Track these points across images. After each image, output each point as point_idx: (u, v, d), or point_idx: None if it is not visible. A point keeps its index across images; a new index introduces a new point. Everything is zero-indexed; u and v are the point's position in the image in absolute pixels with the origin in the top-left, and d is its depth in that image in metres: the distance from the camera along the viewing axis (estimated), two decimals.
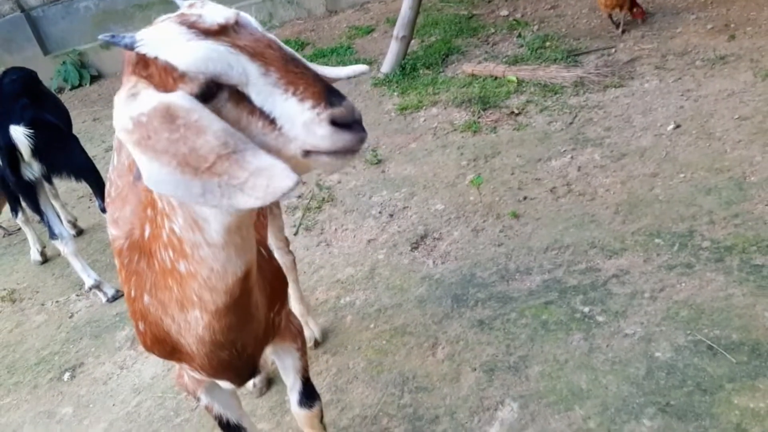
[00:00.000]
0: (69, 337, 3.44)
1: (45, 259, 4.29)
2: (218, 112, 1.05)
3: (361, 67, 1.38)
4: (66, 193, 5.00)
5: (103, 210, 3.42)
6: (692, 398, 2.18)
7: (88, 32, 7.83)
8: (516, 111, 4.43)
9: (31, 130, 3.32)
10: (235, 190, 0.99)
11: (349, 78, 1.38)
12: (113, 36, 1.07)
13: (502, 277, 3.00)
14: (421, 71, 5.45)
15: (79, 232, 4.48)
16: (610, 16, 5.26)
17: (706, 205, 3.05)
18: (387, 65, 5.51)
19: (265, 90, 1.02)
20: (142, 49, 1.05)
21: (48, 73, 7.66)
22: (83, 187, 4.98)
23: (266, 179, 0.98)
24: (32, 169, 3.51)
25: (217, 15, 1.07)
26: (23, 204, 3.95)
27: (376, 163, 4.27)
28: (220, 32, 1.05)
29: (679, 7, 5.32)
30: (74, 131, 4.43)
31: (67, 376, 3.15)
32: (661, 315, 2.55)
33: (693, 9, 5.20)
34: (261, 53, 1.04)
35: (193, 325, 1.40)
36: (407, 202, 3.78)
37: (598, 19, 5.56)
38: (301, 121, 1.01)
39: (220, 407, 1.94)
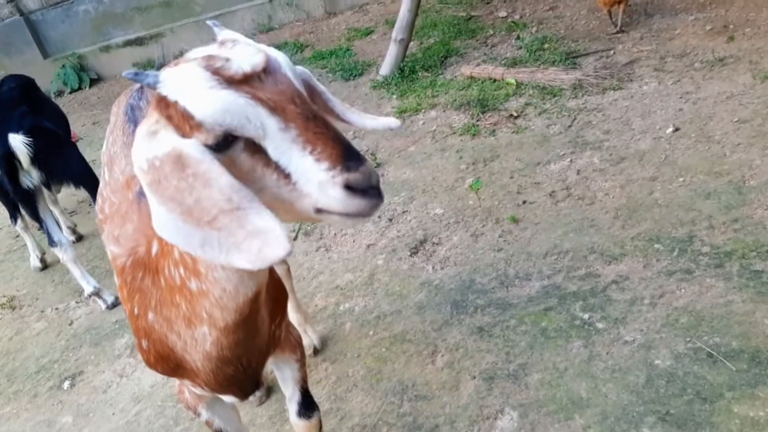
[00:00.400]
0: (69, 345, 3.44)
1: (45, 266, 4.29)
2: (233, 161, 1.05)
3: (391, 122, 1.36)
4: (65, 197, 5.00)
5: None
6: (692, 407, 2.17)
7: (87, 35, 7.84)
8: (515, 114, 4.42)
9: (30, 138, 3.32)
10: (232, 247, 0.99)
11: (374, 130, 1.37)
12: (137, 74, 1.07)
13: (502, 283, 2.99)
14: (419, 73, 5.44)
15: (79, 238, 4.48)
16: (609, 13, 5.25)
17: (705, 210, 3.04)
18: (386, 67, 5.50)
19: (283, 145, 1.02)
20: (163, 90, 1.05)
21: (47, 76, 7.67)
22: (83, 192, 4.99)
23: (260, 242, 0.97)
24: (31, 177, 3.52)
25: (245, 61, 1.05)
26: (22, 211, 3.95)
27: (375, 167, 4.26)
28: (243, 81, 1.03)
29: (677, 8, 5.31)
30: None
31: (66, 384, 3.15)
32: (660, 322, 2.54)
33: (692, 10, 5.19)
34: (282, 108, 1.03)
35: (200, 341, 1.41)
36: (406, 206, 3.77)
37: (596, 20, 5.55)
38: (316, 180, 1.00)
39: (221, 422, 1.95)
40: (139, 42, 7.76)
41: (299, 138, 1.01)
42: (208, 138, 1.02)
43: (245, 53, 1.07)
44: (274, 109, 1.02)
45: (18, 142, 3.28)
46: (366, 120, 1.37)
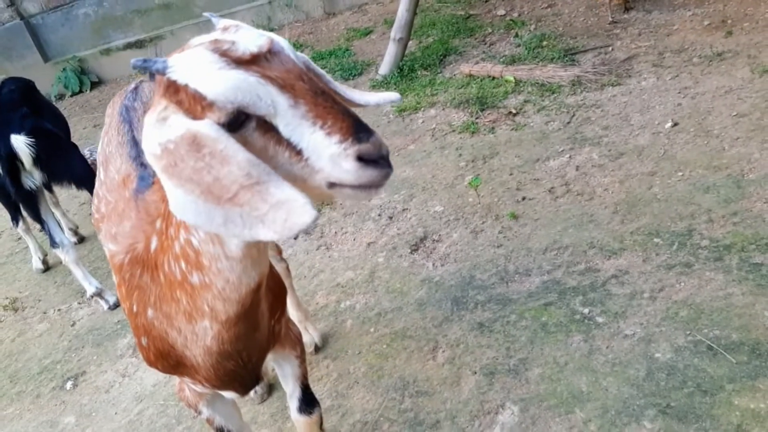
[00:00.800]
0: (71, 346, 3.45)
1: (47, 267, 4.31)
2: (245, 141, 1.06)
3: (392, 95, 1.38)
4: (67, 199, 5.02)
5: None
6: (693, 399, 2.17)
7: (87, 38, 7.86)
8: (514, 111, 4.43)
9: (32, 139, 3.33)
10: (256, 221, 1.00)
11: (378, 105, 1.39)
12: (145, 60, 1.08)
13: (502, 279, 3.00)
14: (419, 72, 5.45)
15: (81, 240, 4.50)
16: (609, 2, 5.28)
17: (704, 204, 3.05)
18: (385, 67, 5.51)
19: (293, 122, 1.03)
20: (173, 75, 1.06)
21: (48, 80, 7.70)
22: (85, 194, 5.00)
23: (285, 213, 0.98)
24: (33, 178, 3.53)
25: (251, 43, 1.07)
26: (23, 213, 3.97)
27: None
28: (251, 61, 1.05)
29: (675, 3, 5.31)
30: (75, 138, 4.46)
31: (69, 384, 3.17)
32: (660, 315, 2.55)
33: (689, 5, 5.19)
34: (291, 85, 1.05)
35: (201, 336, 1.42)
36: (406, 204, 3.78)
37: (594, 17, 5.55)
38: (328, 154, 1.02)
39: (222, 419, 1.95)
40: (139, 44, 7.78)
41: (309, 113, 1.03)
42: (221, 116, 1.03)
43: (250, 35, 1.09)
44: (284, 86, 1.04)
45: (20, 142, 3.30)
46: (368, 97, 1.38)
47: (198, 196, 1.01)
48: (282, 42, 1.12)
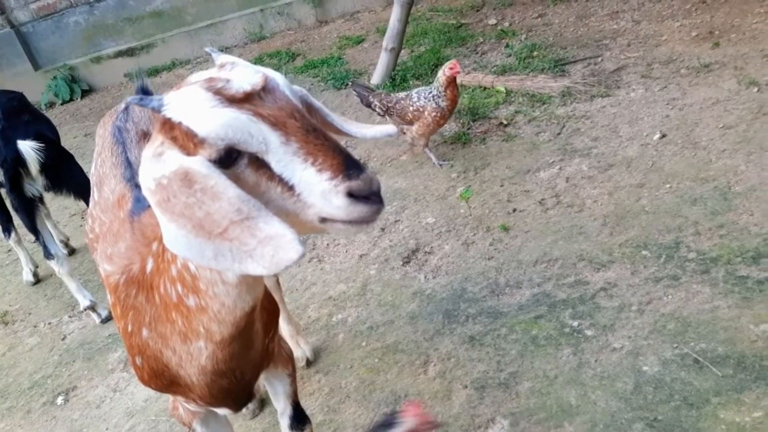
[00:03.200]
0: (62, 360, 3.44)
1: (37, 280, 4.29)
2: (238, 177, 1.08)
3: (388, 129, 1.41)
4: (57, 211, 5.00)
5: None
6: (679, 413, 2.20)
7: (78, 47, 7.83)
8: (505, 122, 4.46)
9: (41, 144, 3.31)
10: (245, 255, 1.02)
11: (375, 139, 1.43)
12: (141, 99, 1.11)
13: (493, 292, 3.02)
14: (411, 82, 5.47)
15: (71, 252, 4.48)
16: None
17: (691, 216, 3.09)
18: (377, 76, 5.53)
19: (285, 158, 1.06)
20: (168, 113, 1.09)
21: (39, 88, 7.67)
22: (75, 205, 4.99)
23: (273, 248, 1.00)
24: (36, 185, 3.50)
25: (245, 81, 1.10)
26: (15, 224, 3.95)
27: None
28: (244, 99, 1.08)
29: (663, 14, 5.37)
30: (66, 147, 4.44)
31: (60, 400, 3.16)
32: (648, 328, 2.58)
33: (677, 16, 5.25)
34: (283, 122, 1.07)
35: (196, 356, 1.44)
36: (398, 215, 3.80)
37: (584, 27, 5.60)
38: (319, 190, 1.04)
39: None
40: (130, 53, 7.77)
41: (300, 150, 1.05)
42: (212, 153, 1.06)
43: (245, 73, 1.12)
44: (275, 124, 1.06)
45: (28, 147, 3.27)
46: (364, 130, 1.41)
47: (189, 230, 1.04)
48: (277, 78, 1.15)
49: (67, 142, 5.30)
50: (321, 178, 1.04)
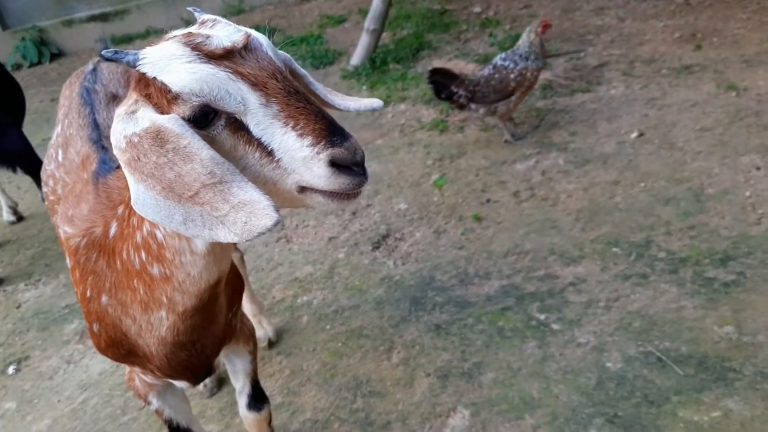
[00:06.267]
0: (15, 329, 3.32)
1: (19, 218, 4.15)
2: (213, 140, 1.03)
3: (374, 102, 1.35)
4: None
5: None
6: (639, 410, 2.20)
7: (49, 8, 7.56)
8: None
9: None
10: (216, 221, 0.98)
11: (359, 111, 1.36)
12: (116, 52, 1.05)
13: (462, 281, 2.99)
14: (391, 65, 5.40)
15: (19, 219, 4.32)
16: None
17: (664, 216, 3.09)
18: (357, 58, 5.44)
19: (265, 121, 1.01)
20: (143, 68, 1.03)
21: (6, 49, 7.40)
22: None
23: (246, 215, 0.96)
24: None
25: (225, 38, 1.05)
26: None
27: None
28: (224, 56, 1.03)
29: (648, 13, 5.38)
30: (30, 111, 4.27)
31: (11, 369, 3.04)
32: (614, 325, 2.57)
33: (662, 16, 5.26)
34: (263, 83, 1.02)
35: (156, 326, 1.41)
36: (371, 200, 3.74)
37: (569, 21, 5.58)
38: (300, 156, 0.99)
39: (171, 411, 1.93)
40: (103, 18, 7.52)
41: (281, 113, 1.01)
42: (186, 111, 1.01)
43: (226, 30, 1.07)
44: (255, 84, 1.01)
45: None
46: (349, 102, 1.36)
47: (159, 192, 0.99)
48: (260, 39, 1.10)
49: (32, 106, 5.12)
50: (302, 143, 0.99)
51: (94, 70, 2.09)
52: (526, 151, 3.88)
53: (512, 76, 3.73)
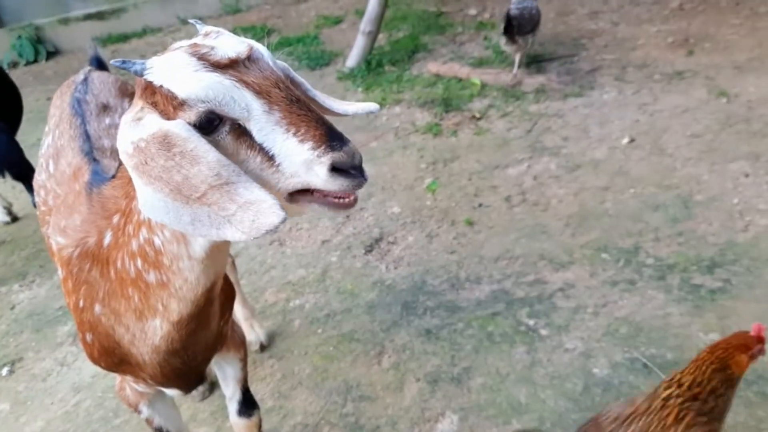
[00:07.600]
0: (9, 330, 3.33)
1: (14, 218, 4.15)
2: (217, 145, 1.07)
3: (370, 106, 1.39)
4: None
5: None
6: None
7: (46, 6, 7.53)
8: (477, 115, 4.45)
9: None
10: (224, 221, 1.02)
11: (356, 115, 1.40)
12: (124, 62, 1.10)
13: (453, 286, 3.02)
14: (386, 67, 5.42)
15: (14, 219, 4.33)
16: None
17: (652, 222, 3.13)
18: (352, 59, 5.46)
19: (267, 127, 1.05)
20: (150, 76, 1.07)
21: (2, 46, 7.37)
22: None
23: (253, 213, 1.00)
24: None
25: (229, 48, 1.09)
26: None
27: None
28: (228, 66, 1.07)
29: (642, 18, 5.41)
30: (26, 110, 4.26)
31: (5, 371, 3.06)
32: (601, 331, 2.61)
33: (655, 21, 5.30)
34: (267, 91, 1.06)
35: (150, 334, 1.42)
36: (364, 203, 3.77)
37: (563, 25, 5.61)
38: (301, 160, 1.03)
39: (161, 420, 1.94)
40: (100, 16, 7.51)
41: (283, 120, 1.05)
42: (192, 116, 1.05)
43: (230, 41, 1.11)
44: (259, 92, 1.05)
45: None
46: (346, 106, 1.40)
47: (167, 194, 1.03)
48: (262, 50, 1.14)
49: (27, 105, 5.09)
50: (303, 148, 1.03)
51: (85, 80, 2.10)
52: (519, 156, 3.91)
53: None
